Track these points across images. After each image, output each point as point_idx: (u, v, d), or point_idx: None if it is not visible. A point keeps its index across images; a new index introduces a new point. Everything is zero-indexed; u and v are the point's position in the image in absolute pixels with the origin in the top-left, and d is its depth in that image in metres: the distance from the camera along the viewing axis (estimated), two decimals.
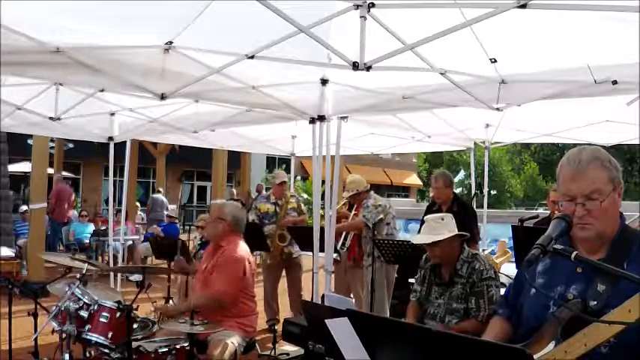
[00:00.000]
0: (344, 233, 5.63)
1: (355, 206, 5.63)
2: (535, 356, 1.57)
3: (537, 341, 1.66)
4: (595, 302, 1.62)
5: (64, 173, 15.69)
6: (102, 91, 4.66)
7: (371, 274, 4.98)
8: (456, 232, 3.40)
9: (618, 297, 1.49)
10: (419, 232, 5.47)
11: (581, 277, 1.70)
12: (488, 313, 3.18)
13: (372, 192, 5.63)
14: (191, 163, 22.69)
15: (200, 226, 6.57)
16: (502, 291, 3.04)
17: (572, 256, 1.53)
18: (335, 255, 5.62)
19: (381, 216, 5.34)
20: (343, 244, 5.60)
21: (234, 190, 14.18)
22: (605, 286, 1.62)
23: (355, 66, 3.23)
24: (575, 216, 1.68)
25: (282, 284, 6.45)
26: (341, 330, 1.66)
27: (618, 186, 1.73)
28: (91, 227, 11.06)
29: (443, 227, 3.40)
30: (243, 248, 3.89)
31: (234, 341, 3.57)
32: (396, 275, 5.59)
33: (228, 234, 3.88)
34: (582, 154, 1.73)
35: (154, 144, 16.99)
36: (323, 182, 5.29)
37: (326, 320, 1.73)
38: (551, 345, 1.60)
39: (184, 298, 3.84)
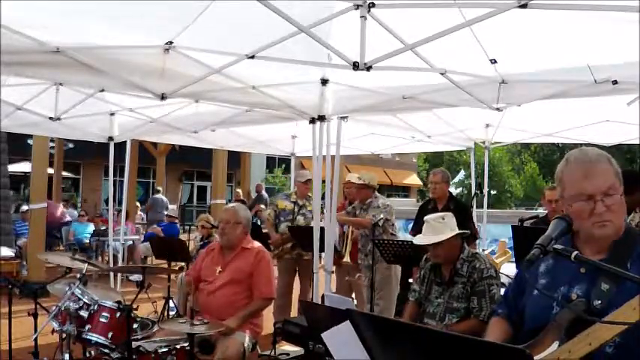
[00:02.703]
0: (346, 239, 5.62)
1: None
2: (539, 356, 1.56)
3: (540, 342, 1.64)
4: (599, 302, 1.60)
5: (64, 173, 15.67)
6: (102, 91, 4.66)
7: (374, 275, 4.98)
8: (457, 230, 3.41)
9: (623, 296, 1.47)
10: (412, 229, 5.50)
11: (585, 278, 1.68)
12: (490, 312, 3.18)
13: (376, 192, 5.64)
14: (191, 163, 22.67)
15: (200, 226, 6.55)
16: (502, 291, 3.04)
17: (572, 256, 1.52)
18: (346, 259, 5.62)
19: (388, 216, 5.36)
20: (344, 248, 5.60)
21: (240, 191, 14.10)
22: (610, 286, 1.60)
23: (355, 66, 3.23)
24: (595, 214, 1.65)
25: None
26: (339, 341, 1.66)
27: (621, 184, 1.72)
28: (91, 227, 11.06)
29: (445, 227, 3.40)
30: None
31: (244, 341, 3.61)
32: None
33: (244, 236, 3.96)
34: (589, 152, 1.72)
35: (154, 144, 16.98)
36: (323, 182, 5.29)
37: (323, 334, 1.73)
38: (555, 345, 1.59)
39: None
